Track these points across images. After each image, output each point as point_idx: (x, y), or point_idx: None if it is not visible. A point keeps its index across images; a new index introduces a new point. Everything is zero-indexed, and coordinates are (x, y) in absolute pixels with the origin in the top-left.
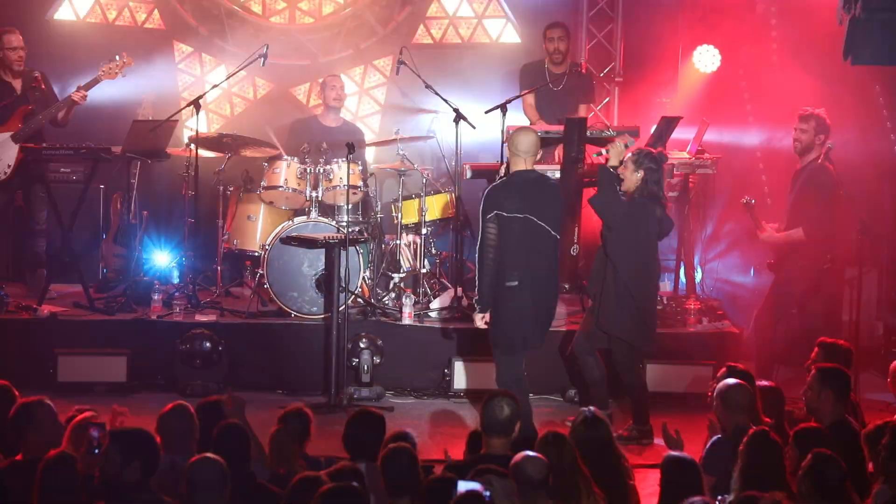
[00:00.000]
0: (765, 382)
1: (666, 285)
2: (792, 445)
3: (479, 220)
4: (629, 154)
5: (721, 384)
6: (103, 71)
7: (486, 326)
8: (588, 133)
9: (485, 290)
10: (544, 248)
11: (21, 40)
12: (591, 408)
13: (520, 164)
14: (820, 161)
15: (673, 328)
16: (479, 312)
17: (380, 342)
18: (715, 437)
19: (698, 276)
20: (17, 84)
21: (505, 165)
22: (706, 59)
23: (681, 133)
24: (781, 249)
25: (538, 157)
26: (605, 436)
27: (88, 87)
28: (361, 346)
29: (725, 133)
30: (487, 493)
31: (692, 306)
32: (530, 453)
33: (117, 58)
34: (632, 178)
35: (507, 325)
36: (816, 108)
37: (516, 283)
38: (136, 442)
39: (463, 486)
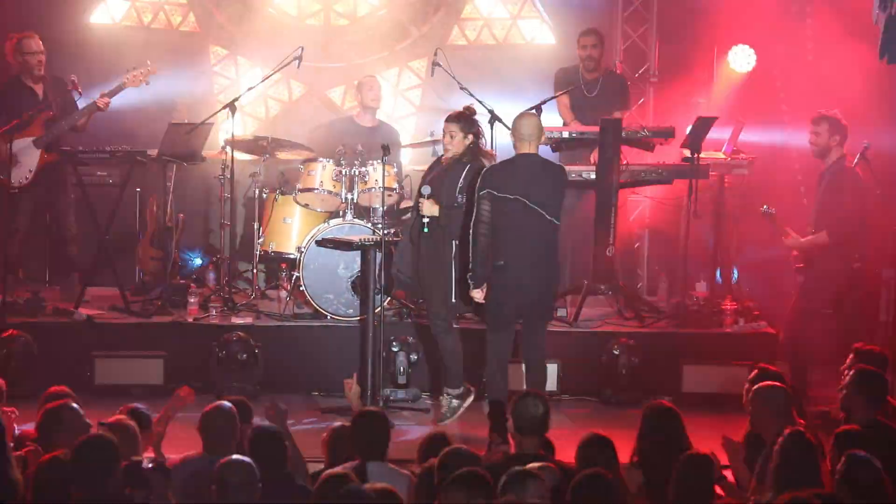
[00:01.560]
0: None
1: (702, 286)
2: (833, 447)
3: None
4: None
5: (756, 386)
6: (127, 78)
7: (482, 301)
8: (623, 134)
9: (477, 266)
10: (537, 231)
11: (40, 45)
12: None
13: (523, 148)
14: (842, 162)
15: (709, 329)
16: (474, 288)
17: (416, 344)
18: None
19: (734, 277)
20: (39, 89)
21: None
22: (741, 58)
23: (716, 133)
24: (809, 253)
25: (542, 140)
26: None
27: (112, 94)
28: (397, 347)
29: (761, 133)
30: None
31: (728, 307)
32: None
33: (140, 66)
34: (462, 143)
35: (492, 304)
36: (831, 110)
37: (502, 263)
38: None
39: None
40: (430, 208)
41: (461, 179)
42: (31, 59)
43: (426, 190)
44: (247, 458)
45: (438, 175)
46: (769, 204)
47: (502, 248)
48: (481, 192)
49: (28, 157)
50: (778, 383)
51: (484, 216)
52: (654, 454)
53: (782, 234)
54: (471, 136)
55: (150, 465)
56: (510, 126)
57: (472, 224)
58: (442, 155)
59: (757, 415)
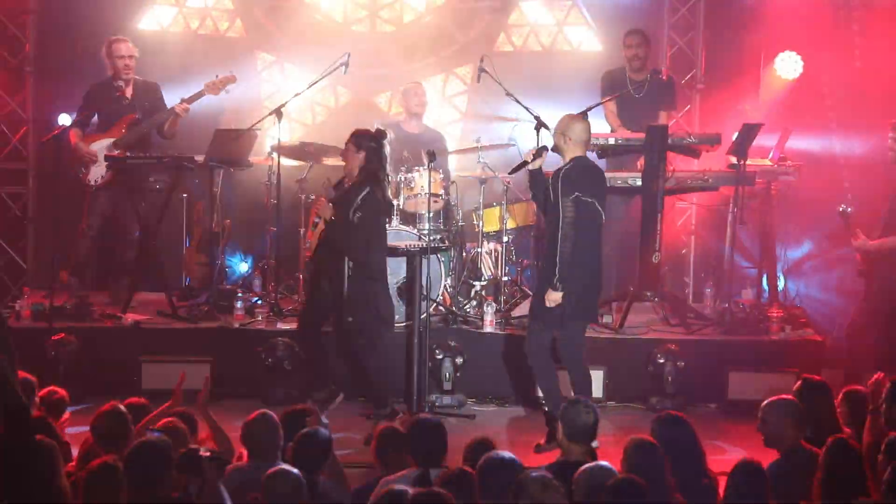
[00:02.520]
0: (853, 388)
1: (748, 293)
2: (883, 454)
3: (557, 198)
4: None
5: (767, 400)
6: (207, 86)
7: (557, 303)
8: (670, 140)
9: (566, 269)
10: (600, 232)
11: (130, 48)
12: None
13: (578, 151)
14: None
15: (755, 336)
16: (560, 291)
17: (461, 350)
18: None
19: (781, 284)
20: (129, 91)
21: (533, 152)
22: (788, 65)
23: (763, 140)
24: (874, 257)
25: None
26: (686, 437)
27: (191, 100)
28: (443, 354)
29: (808, 140)
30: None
31: (775, 314)
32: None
33: (221, 74)
34: (355, 158)
35: (570, 304)
36: None
37: (586, 260)
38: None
39: None
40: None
41: (358, 200)
42: (119, 63)
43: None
44: (294, 469)
45: (340, 196)
46: (816, 212)
47: (582, 249)
48: (570, 197)
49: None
50: (790, 396)
51: (571, 220)
52: None
53: (852, 235)
54: (362, 154)
55: (206, 455)
56: (558, 129)
57: (561, 228)
58: (344, 177)
59: (769, 429)
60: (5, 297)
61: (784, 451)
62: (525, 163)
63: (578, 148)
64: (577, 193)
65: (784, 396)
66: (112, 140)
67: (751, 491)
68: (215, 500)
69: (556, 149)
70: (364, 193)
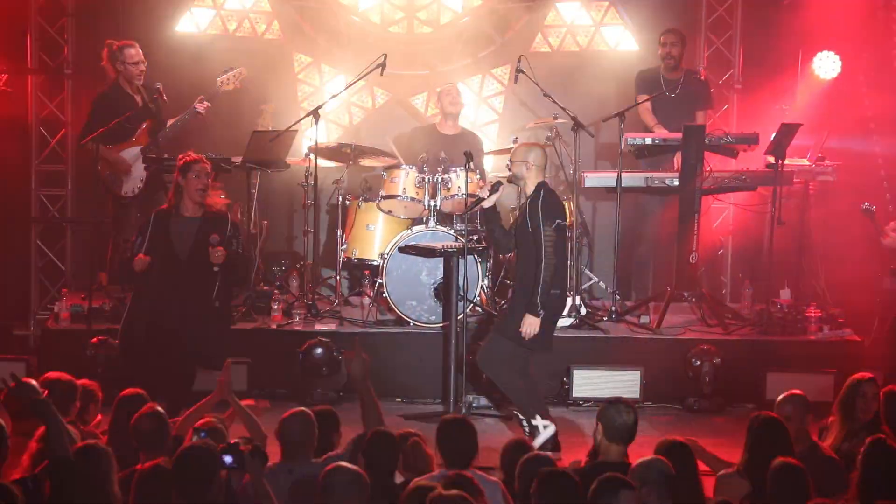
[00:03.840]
0: (893, 388)
1: (786, 293)
2: None
3: (538, 226)
4: None
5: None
6: (221, 81)
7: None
8: (707, 140)
9: (547, 295)
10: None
11: (141, 54)
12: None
13: (540, 177)
14: None
15: (793, 336)
16: (539, 318)
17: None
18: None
19: (819, 283)
20: (138, 97)
21: (488, 188)
22: (826, 65)
23: (800, 140)
24: None
25: None
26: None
27: (210, 98)
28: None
29: (846, 140)
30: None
31: (813, 314)
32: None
33: (232, 69)
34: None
35: (546, 330)
36: None
37: (559, 291)
38: None
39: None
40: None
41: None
42: (133, 69)
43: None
44: (351, 465)
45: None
46: (854, 213)
47: (560, 277)
48: (554, 224)
49: (138, 167)
50: (799, 391)
51: (552, 246)
52: (762, 464)
53: (880, 234)
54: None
55: (248, 448)
56: (517, 158)
57: (544, 254)
58: None
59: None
60: (44, 299)
61: (803, 448)
62: (480, 199)
63: (540, 173)
64: (558, 221)
65: (798, 392)
66: (139, 148)
67: (794, 491)
68: (259, 492)
69: (513, 178)
70: None
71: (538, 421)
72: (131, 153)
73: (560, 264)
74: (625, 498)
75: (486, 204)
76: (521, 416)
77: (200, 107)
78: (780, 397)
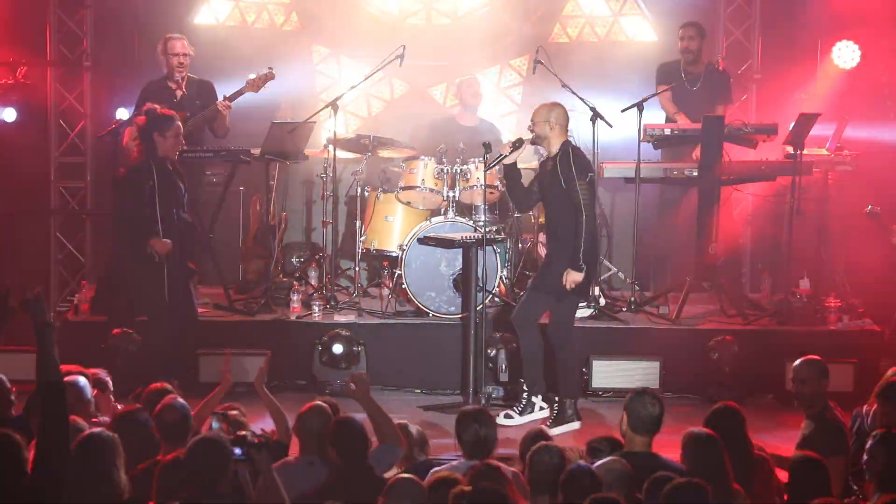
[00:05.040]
0: None
1: (805, 283)
2: None
3: (572, 181)
4: None
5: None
6: (248, 83)
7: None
8: (726, 130)
9: (586, 248)
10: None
11: (185, 47)
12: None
13: (564, 136)
14: None
15: (813, 326)
16: (582, 271)
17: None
18: None
19: (838, 273)
20: (181, 90)
21: (510, 145)
22: (846, 55)
23: (820, 130)
24: None
25: None
26: (737, 426)
27: (233, 97)
28: (499, 345)
29: (865, 129)
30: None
31: (832, 304)
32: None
33: (261, 71)
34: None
35: (585, 283)
36: None
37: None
38: None
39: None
40: None
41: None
42: (173, 60)
43: None
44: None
45: None
46: (874, 202)
47: (590, 230)
48: (585, 177)
49: None
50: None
51: (588, 199)
52: None
53: (889, 233)
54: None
55: (256, 441)
56: (540, 118)
57: (579, 209)
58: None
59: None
60: (64, 291)
61: (816, 412)
62: (502, 156)
63: (563, 132)
64: (589, 174)
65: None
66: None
67: (813, 484)
68: (268, 487)
69: (537, 139)
70: None
71: (538, 400)
72: None
73: (592, 215)
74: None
75: (508, 161)
76: (523, 388)
77: (221, 105)
78: (797, 361)
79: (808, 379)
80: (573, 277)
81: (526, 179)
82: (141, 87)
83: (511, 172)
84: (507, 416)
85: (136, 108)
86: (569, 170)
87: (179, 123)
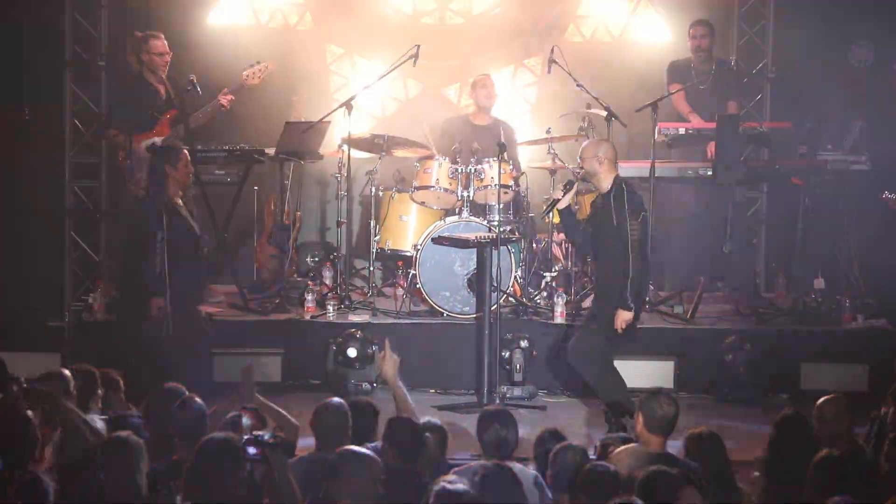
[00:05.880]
0: None
1: (820, 283)
2: None
3: (623, 219)
4: None
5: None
6: (246, 75)
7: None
8: (741, 130)
9: (635, 289)
10: None
11: (166, 45)
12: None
13: (614, 171)
14: None
15: (827, 326)
16: (631, 311)
17: (532, 341)
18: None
19: (853, 272)
20: (162, 89)
21: (561, 189)
22: (860, 53)
23: (835, 129)
24: None
25: None
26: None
27: (234, 91)
28: (513, 345)
29: (880, 128)
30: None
31: (847, 303)
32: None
33: (258, 63)
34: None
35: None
36: None
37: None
38: None
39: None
40: None
41: None
42: (158, 60)
43: None
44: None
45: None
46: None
47: (641, 270)
48: (637, 217)
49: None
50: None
51: (639, 238)
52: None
53: None
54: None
55: (271, 440)
56: (588, 155)
57: (630, 248)
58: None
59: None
60: (78, 291)
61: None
62: (555, 201)
63: (613, 167)
64: (643, 214)
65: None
66: (160, 139)
67: (833, 484)
68: (282, 486)
69: (586, 176)
70: None
71: (628, 421)
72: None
73: (643, 255)
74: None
75: (561, 205)
76: (608, 412)
77: (224, 100)
78: (820, 400)
79: (830, 419)
80: (624, 318)
81: (532, 179)
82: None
83: (566, 215)
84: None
85: (110, 109)
86: (622, 207)
87: (186, 152)
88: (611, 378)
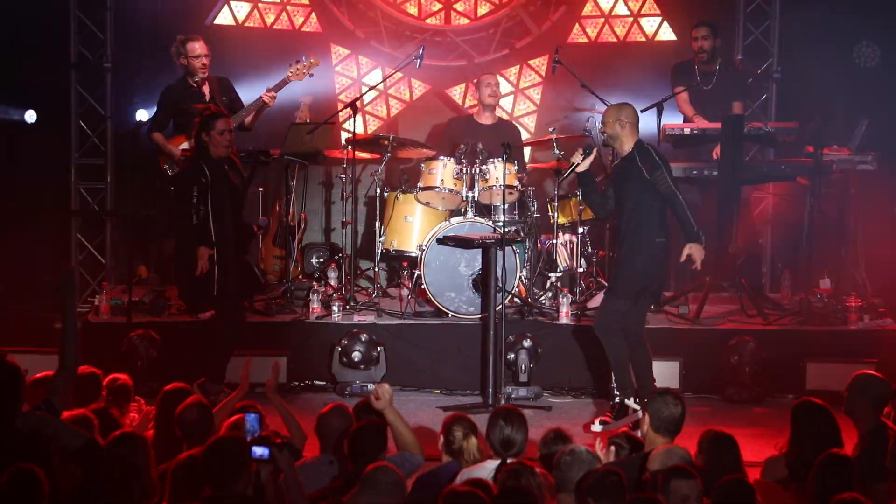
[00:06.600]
0: None
1: (826, 283)
2: None
3: (659, 172)
4: None
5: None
6: (291, 72)
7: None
8: (746, 130)
9: (665, 245)
10: None
11: (205, 47)
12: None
13: (636, 135)
14: None
15: (833, 326)
16: (703, 244)
17: (537, 342)
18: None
19: (859, 273)
20: (205, 89)
21: (580, 153)
22: (866, 53)
23: (841, 129)
24: None
25: None
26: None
27: (278, 88)
28: (518, 345)
29: (887, 128)
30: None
31: (853, 304)
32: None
33: (304, 59)
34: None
35: (640, 275)
36: None
37: (664, 240)
38: None
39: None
40: None
41: None
42: (196, 62)
43: None
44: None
45: None
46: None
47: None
48: (667, 168)
49: None
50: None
51: (673, 181)
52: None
53: None
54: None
55: (278, 442)
56: (610, 119)
57: (669, 194)
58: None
59: (853, 403)
60: (84, 293)
61: (867, 430)
62: (575, 165)
63: (635, 130)
64: (669, 164)
65: (868, 372)
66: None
67: (839, 483)
68: (290, 487)
69: (609, 140)
70: None
71: (631, 402)
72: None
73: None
74: (676, 487)
75: (581, 168)
76: (615, 391)
77: (266, 97)
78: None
79: (854, 397)
80: (696, 251)
81: (537, 179)
82: (160, 91)
83: (585, 179)
84: (603, 423)
85: (159, 112)
86: (651, 162)
87: (226, 119)
88: (628, 358)
